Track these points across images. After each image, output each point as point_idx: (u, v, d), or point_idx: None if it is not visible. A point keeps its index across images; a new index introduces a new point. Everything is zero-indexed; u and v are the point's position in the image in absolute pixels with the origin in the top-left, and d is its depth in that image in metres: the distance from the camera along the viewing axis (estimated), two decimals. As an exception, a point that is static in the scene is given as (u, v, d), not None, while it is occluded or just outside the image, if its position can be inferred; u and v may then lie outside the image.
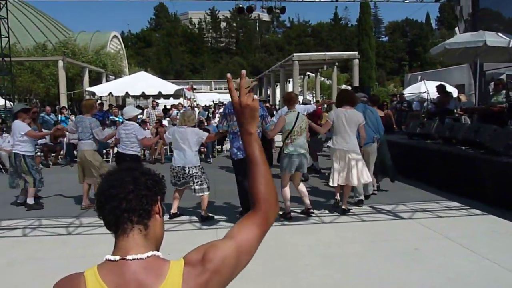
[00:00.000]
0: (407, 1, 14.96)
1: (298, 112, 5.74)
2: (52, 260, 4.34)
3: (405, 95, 16.94)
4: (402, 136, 9.71)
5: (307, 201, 5.82)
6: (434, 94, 11.67)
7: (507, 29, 10.26)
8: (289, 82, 28.26)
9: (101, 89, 16.52)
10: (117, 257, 1.06)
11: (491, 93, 9.09)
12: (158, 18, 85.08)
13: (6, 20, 13.03)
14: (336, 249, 4.60)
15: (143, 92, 15.62)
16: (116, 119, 12.24)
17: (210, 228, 5.39)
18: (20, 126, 6.41)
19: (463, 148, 7.13)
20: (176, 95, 16.91)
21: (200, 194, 5.57)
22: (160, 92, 15.61)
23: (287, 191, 5.68)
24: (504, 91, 7.96)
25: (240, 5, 15.12)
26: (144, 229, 1.11)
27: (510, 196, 5.73)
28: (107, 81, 22.83)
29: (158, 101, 16.79)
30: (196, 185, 5.53)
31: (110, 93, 16.33)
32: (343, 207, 5.92)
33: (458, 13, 13.63)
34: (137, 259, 1.06)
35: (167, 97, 17.69)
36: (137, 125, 6.40)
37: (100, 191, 1.13)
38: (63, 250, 4.71)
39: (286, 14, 15.76)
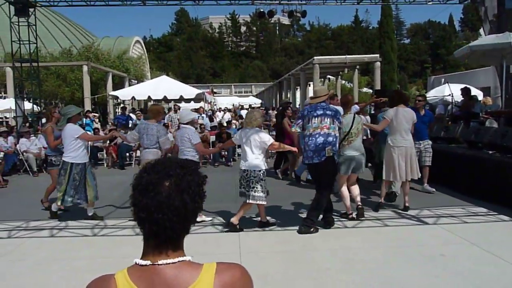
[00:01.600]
0: (430, 2, 14.74)
1: (354, 114, 5.79)
2: (78, 261, 4.44)
3: (428, 98, 16.67)
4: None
5: (358, 201, 5.82)
6: (458, 97, 11.46)
7: (534, 30, 9.97)
8: (310, 86, 28.13)
9: (124, 93, 16.87)
10: (148, 262, 1.05)
11: (518, 96, 8.87)
12: (179, 23, 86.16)
13: (34, 26, 13.43)
14: (358, 254, 4.55)
15: (165, 96, 15.86)
16: (139, 122, 12.42)
17: (232, 232, 5.38)
18: (72, 129, 5.81)
19: (490, 152, 6.97)
20: (197, 99, 17.11)
21: (252, 201, 5.21)
22: (181, 96, 15.85)
23: (344, 190, 5.72)
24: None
25: (261, 10, 15.19)
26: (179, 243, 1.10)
27: (539, 201, 5.58)
28: (129, 85, 23.23)
29: (180, 105, 17.00)
30: (251, 190, 5.15)
31: (133, 97, 16.65)
32: (381, 200, 6.30)
33: (482, 14, 13.35)
34: (168, 263, 1.05)
35: (188, 101, 17.92)
36: (193, 129, 5.83)
37: (143, 203, 1.05)
38: (89, 251, 4.81)
39: (306, 17, 15.72)
